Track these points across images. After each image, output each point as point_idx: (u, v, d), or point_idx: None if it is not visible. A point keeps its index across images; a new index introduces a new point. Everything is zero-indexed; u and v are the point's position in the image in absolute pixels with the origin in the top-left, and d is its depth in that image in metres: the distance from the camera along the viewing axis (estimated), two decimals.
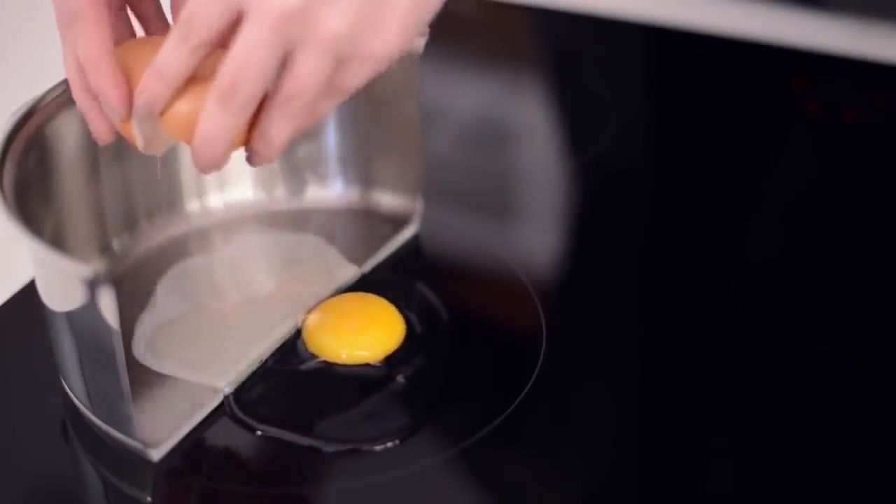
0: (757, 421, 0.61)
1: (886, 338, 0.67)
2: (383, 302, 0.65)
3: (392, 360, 0.63)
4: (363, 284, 0.68)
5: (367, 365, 0.62)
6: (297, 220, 0.73)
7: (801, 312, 0.69)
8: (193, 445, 0.58)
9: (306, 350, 0.63)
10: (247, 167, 0.72)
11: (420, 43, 0.68)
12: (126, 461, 0.57)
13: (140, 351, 0.62)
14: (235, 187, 0.73)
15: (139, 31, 0.60)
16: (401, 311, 0.65)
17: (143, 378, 0.61)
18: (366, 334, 0.64)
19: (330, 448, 0.58)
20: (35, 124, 0.61)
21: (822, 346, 0.66)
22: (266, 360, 0.63)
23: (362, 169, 0.73)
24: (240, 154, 0.71)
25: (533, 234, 0.76)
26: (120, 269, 0.68)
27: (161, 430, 0.58)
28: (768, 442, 0.60)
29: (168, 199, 0.71)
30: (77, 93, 0.56)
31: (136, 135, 0.55)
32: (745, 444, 0.60)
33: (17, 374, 0.64)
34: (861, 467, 0.58)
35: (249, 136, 0.54)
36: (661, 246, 0.73)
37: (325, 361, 0.63)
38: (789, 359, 0.64)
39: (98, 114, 0.56)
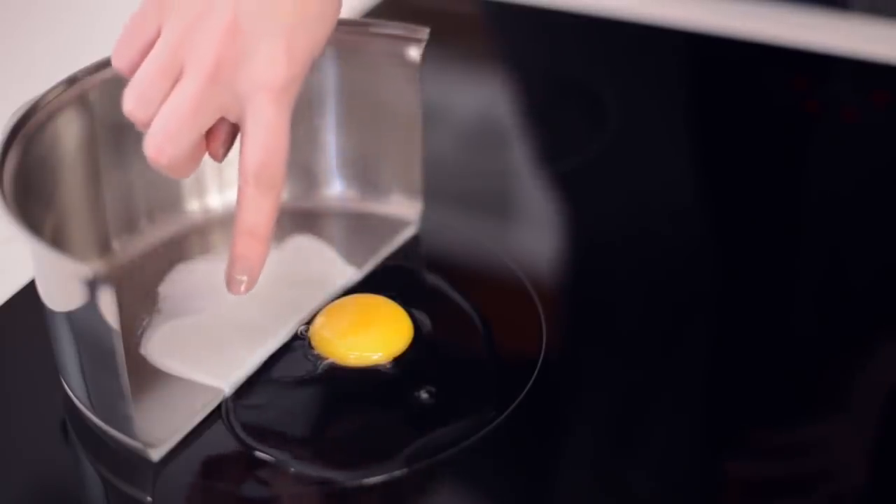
0: (757, 426, 0.61)
1: (886, 338, 0.67)
2: (391, 303, 0.65)
3: (399, 362, 0.62)
4: (363, 285, 0.68)
5: (374, 366, 0.62)
6: (297, 221, 0.73)
7: (800, 312, 0.69)
8: (193, 446, 0.58)
9: (312, 351, 0.63)
10: None
11: (420, 44, 0.68)
12: (126, 461, 0.57)
13: (140, 351, 0.63)
14: (235, 187, 0.72)
15: None
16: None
17: (143, 378, 0.61)
18: (377, 335, 0.63)
19: (331, 468, 0.58)
20: (35, 124, 0.61)
21: (822, 347, 0.66)
22: (268, 362, 0.62)
23: (362, 169, 0.73)
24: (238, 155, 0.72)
25: (533, 234, 0.76)
26: (120, 269, 0.68)
27: (161, 430, 0.58)
28: (767, 445, 0.60)
29: (168, 199, 0.71)
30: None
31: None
32: (745, 447, 0.60)
33: (17, 374, 0.64)
34: None
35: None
36: (660, 245, 0.73)
37: (330, 363, 0.62)
38: (790, 359, 0.64)
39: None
